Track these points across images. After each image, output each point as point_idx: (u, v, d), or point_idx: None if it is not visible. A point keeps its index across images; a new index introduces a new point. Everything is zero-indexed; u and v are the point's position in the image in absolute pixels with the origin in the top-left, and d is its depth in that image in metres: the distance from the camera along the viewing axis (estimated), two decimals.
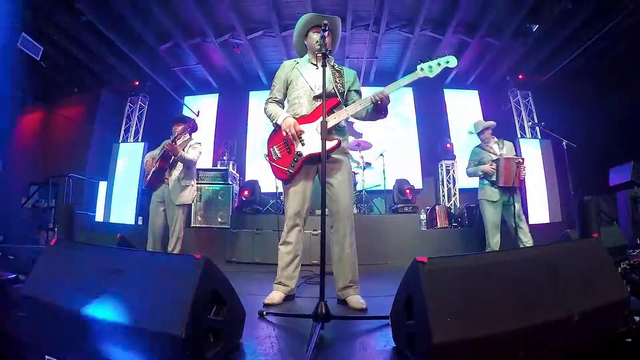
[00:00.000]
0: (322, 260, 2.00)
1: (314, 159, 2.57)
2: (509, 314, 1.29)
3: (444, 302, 1.28)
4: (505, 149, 4.96)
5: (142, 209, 7.84)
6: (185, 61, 8.50)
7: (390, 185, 7.12)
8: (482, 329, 1.24)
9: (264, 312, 2.21)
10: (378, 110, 2.54)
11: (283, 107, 2.89)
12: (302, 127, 2.60)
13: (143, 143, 8.28)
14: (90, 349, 1.49)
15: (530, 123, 8.29)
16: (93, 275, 1.58)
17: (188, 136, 4.51)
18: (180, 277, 1.44)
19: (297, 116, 2.67)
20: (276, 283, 2.72)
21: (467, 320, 1.25)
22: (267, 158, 2.79)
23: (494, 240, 4.61)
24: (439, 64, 2.46)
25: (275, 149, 2.72)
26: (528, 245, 4.48)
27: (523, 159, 4.75)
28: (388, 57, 8.45)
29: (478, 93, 9.28)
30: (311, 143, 2.56)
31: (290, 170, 2.63)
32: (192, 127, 4.51)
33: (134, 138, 8.81)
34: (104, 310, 1.43)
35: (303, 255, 4.60)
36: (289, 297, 2.72)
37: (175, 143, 4.22)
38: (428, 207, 6.93)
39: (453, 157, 8.40)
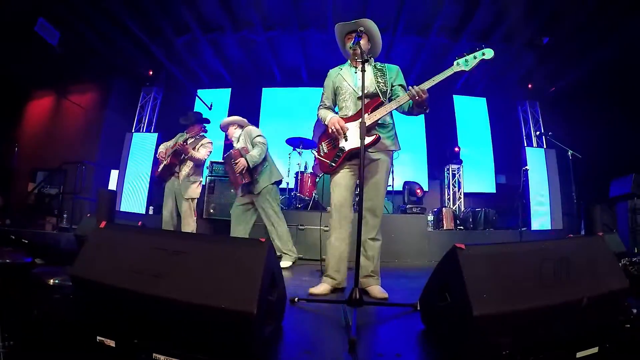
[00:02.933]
0: (358, 249, 2.17)
1: (355, 154, 2.71)
2: (531, 294, 1.50)
3: (480, 281, 1.49)
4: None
5: (153, 198, 7.96)
6: (201, 54, 8.60)
7: (397, 187, 7.26)
8: (510, 305, 1.45)
9: (296, 299, 2.36)
10: (419, 105, 2.62)
11: (334, 112, 3.04)
12: (347, 125, 2.75)
13: (156, 134, 8.38)
14: (151, 329, 1.57)
15: (537, 133, 8.46)
16: (152, 257, 1.63)
17: (201, 134, 4.80)
18: (248, 259, 1.56)
19: (345, 117, 2.83)
20: (325, 275, 2.83)
21: (499, 298, 1.45)
22: (316, 152, 2.95)
23: None
24: (475, 57, 2.49)
25: (324, 144, 2.92)
26: None
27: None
28: (398, 61, 8.49)
29: (486, 100, 9.46)
30: (353, 139, 2.71)
31: (333, 164, 2.80)
32: (204, 125, 4.89)
33: (146, 128, 8.93)
34: (170, 290, 1.49)
35: (313, 250, 4.74)
36: (336, 290, 2.81)
37: (186, 143, 4.55)
38: (435, 209, 7.09)
39: (460, 162, 8.57)
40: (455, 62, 2.54)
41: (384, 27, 7.13)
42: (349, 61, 3.05)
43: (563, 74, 7.82)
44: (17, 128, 9.80)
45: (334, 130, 2.72)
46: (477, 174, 9.08)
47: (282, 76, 9.21)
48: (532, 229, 7.46)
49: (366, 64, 2.40)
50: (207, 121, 4.95)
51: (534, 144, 8.52)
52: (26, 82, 8.88)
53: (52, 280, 2.45)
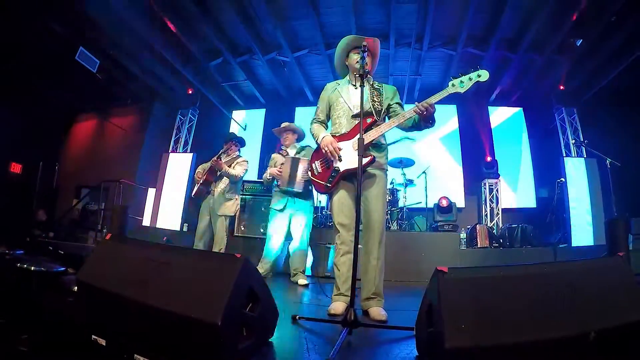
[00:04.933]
0: (354, 270, 2.14)
1: (351, 173, 2.71)
2: (522, 327, 1.33)
3: (460, 309, 1.36)
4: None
5: (188, 216, 8.20)
6: (234, 77, 8.91)
7: (431, 203, 7.10)
8: (494, 339, 1.30)
9: (297, 317, 2.34)
10: (425, 120, 2.60)
11: (326, 127, 3.06)
12: (340, 144, 2.73)
13: (192, 154, 8.65)
14: (135, 331, 1.69)
15: (574, 141, 8.03)
16: (143, 267, 1.77)
17: (237, 153, 4.90)
18: (221, 272, 1.61)
19: (337, 134, 2.83)
20: (336, 295, 2.78)
21: (481, 329, 1.31)
22: (309, 173, 2.96)
23: None
24: (470, 79, 2.48)
25: (317, 164, 2.90)
26: None
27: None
28: (432, 74, 8.50)
29: (523, 110, 9.12)
30: (348, 159, 2.70)
31: (328, 185, 2.79)
32: (240, 144, 4.96)
33: (183, 149, 9.27)
34: (153, 297, 1.60)
35: (315, 267, 4.71)
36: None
37: (220, 159, 4.63)
38: (469, 226, 6.87)
39: (497, 176, 8.25)
40: (450, 83, 2.52)
41: (410, 41, 7.10)
42: (347, 77, 3.05)
43: (600, 77, 7.41)
44: (63, 149, 10.48)
45: (328, 151, 2.71)
46: (516, 188, 8.73)
47: (313, 95, 9.32)
48: (572, 244, 7.03)
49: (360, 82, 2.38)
50: (242, 140, 5.05)
51: (573, 154, 8.09)
52: (71, 106, 9.48)
53: (75, 287, 2.59)
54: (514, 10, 6.28)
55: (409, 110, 2.60)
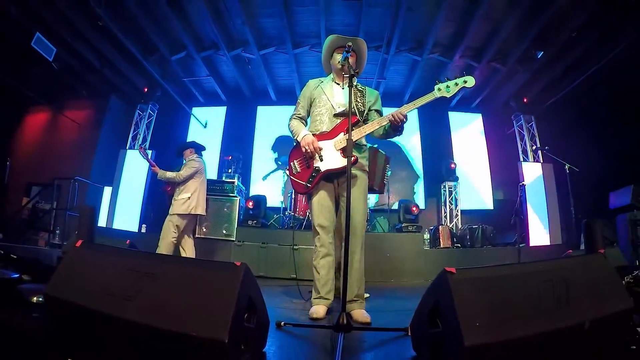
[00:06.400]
0: (345, 273, 2.09)
1: (331, 174, 2.69)
2: (528, 320, 1.41)
3: (472, 308, 1.40)
4: None
5: (147, 216, 7.88)
6: (196, 72, 8.65)
7: (393, 206, 7.20)
8: (506, 333, 1.35)
9: (282, 323, 2.26)
10: (395, 128, 2.62)
11: (306, 124, 3.01)
12: (321, 143, 2.70)
13: (151, 151, 8.32)
14: (117, 352, 1.52)
15: (534, 147, 8.41)
16: (124, 278, 1.59)
17: (191, 156, 5.10)
18: (220, 282, 1.49)
19: (318, 132, 2.79)
20: (316, 298, 2.74)
21: (492, 325, 1.36)
22: (287, 172, 2.91)
23: None
24: (457, 84, 2.49)
25: (295, 163, 2.84)
26: None
27: None
28: (395, 78, 8.62)
29: (482, 116, 9.44)
30: (329, 159, 2.67)
31: (308, 185, 2.74)
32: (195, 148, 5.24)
33: (141, 145, 8.84)
34: (139, 313, 1.44)
35: (280, 269, 4.87)
36: (328, 310, 2.74)
37: (154, 166, 5.00)
38: (431, 227, 7.01)
39: (456, 179, 8.50)
40: (436, 88, 2.54)
41: (378, 44, 7.15)
42: (331, 75, 3.03)
43: (558, 87, 7.79)
44: (13, 142, 9.78)
45: (308, 150, 2.67)
46: (473, 190, 9.01)
47: (277, 95, 9.18)
48: (530, 244, 7.36)
49: (347, 83, 2.38)
50: (194, 145, 5.28)
51: (530, 159, 8.46)
52: (23, 96, 8.86)
53: (35, 298, 2.43)
54: (482, 20, 6.44)
55: (384, 117, 2.62)
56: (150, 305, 1.46)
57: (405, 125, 2.64)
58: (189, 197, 4.82)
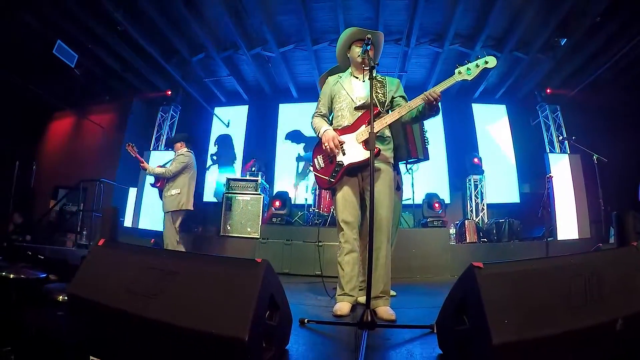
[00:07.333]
0: (369, 269, 2.03)
1: (355, 168, 2.65)
2: (558, 318, 1.34)
3: (500, 304, 1.33)
4: None
5: None
6: (217, 72, 8.71)
7: (418, 200, 7.09)
8: (535, 331, 1.29)
9: (306, 320, 2.22)
10: (431, 107, 2.51)
11: (328, 121, 2.97)
12: (343, 137, 2.66)
13: (173, 152, 8.41)
14: (141, 351, 1.50)
15: (560, 138, 8.17)
16: (146, 277, 1.59)
17: (181, 150, 5.10)
18: (242, 281, 1.47)
19: (340, 127, 2.75)
20: (340, 295, 2.71)
21: (522, 323, 1.29)
22: (311, 168, 2.86)
23: None
24: (478, 65, 2.42)
25: (319, 159, 2.82)
26: None
27: None
28: (417, 71, 8.49)
29: (506, 107, 9.21)
30: (351, 152, 2.63)
31: (332, 180, 2.70)
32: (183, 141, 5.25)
33: (164, 146, 8.99)
34: (161, 312, 1.43)
35: (305, 266, 4.81)
36: (354, 307, 2.71)
37: (142, 162, 5.01)
38: (457, 222, 6.89)
39: (481, 172, 8.33)
40: (456, 71, 2.47)
41: (398, 38, 7.08)
42: (349, 69, 2.98)
43: (583, 75, 7.56)
44: (39, 147, 10.07)
45: (329, 147, 2.63)
46: (500, 183, 8.79)
47: (298, 92, 9.18)
48: (558, 238, 7.15)
49: (367, 75, 2.33)
50: (181, 137, 5.32)
51: (557, 150, 8.22)
52: (48, 103, 9.10)
53: (60, 297, 2.45)
54: (502, 9, 6.28)
55: (415, 99, 2.52)
56: (171, 304, 1.45)
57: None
58: (179, 193, 4.82)
